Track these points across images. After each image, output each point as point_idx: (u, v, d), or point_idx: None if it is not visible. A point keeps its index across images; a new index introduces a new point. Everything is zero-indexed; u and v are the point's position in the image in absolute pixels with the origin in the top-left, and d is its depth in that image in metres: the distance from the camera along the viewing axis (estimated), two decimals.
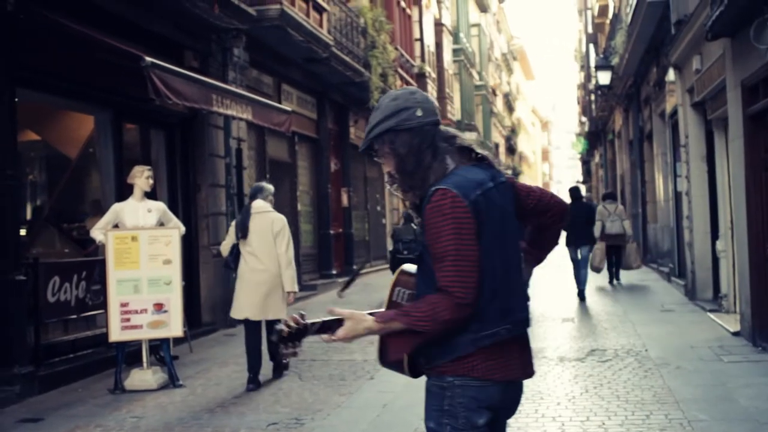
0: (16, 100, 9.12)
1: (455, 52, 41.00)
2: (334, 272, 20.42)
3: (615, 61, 24.56)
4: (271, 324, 8.87)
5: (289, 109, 14.91)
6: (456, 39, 41.51)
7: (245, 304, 8.92)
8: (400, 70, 25.49)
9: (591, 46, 38.46)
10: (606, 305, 14.47)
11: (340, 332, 3.19)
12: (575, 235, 15.89)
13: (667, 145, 18.12)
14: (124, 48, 9.79)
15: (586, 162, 58.44)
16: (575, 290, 15.93)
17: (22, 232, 10.02)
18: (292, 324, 3.15)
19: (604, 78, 25.81)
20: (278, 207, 17.36)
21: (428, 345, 3.20)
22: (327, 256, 20.40)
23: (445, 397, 3.21)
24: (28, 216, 11.80)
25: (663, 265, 19.38)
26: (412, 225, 16.92)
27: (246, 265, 8.96)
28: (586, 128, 46.35)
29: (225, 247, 9.32)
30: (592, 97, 38.55)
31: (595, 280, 18.01)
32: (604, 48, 30.04)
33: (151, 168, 9.50)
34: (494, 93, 59.32)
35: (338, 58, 18.73)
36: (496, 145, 59.73)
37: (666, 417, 6.87)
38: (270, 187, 9.57)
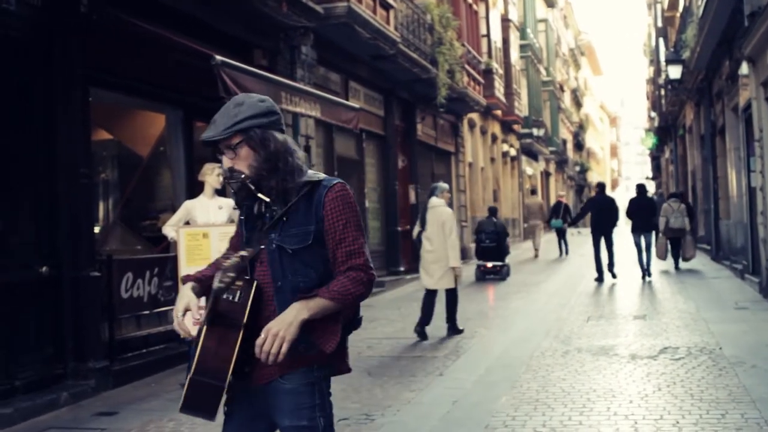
0: (90, 99, 9.28)
1: (522, 47, 40.74)
2: (402, 269, 20.44)
3: (686, 54, 24.18)
4: (446, 292, 11.62)
5: (356, 106, 14.95)
6: (523, 35, 41.24)
7: (424, 277, 11.60)
8: (467, 67, 25.41)
9: (661, 40, 37.90)
10: (678, 302, 14.25)
11: (272, 327, 3.19)
12: (640, 224, 18.98)
13: (740, 139, 17.79)
14: (194, 47, 9.91)
15: (655, 158, 57.72)
16: (643, 280, 18.45)
17: (96, 229, 10.19)
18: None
19: (675, 72, 25.41)
20: None
21: (308, 332, 3.26)
22: (395, 253, 20.42)
23: (315, 393, 3.36)
24: (101, 214, 12.00)
25: (736, 262, 19.02)
26: (493, 219, 20.00)
27: (423, 248, 11.51)
28: (656, 123, 45.72)
29: (414, 233, 11.98)
30: (662, 91, 38.00)
31: (660, 265, 20.73)
32: (674, 42, 29.59)
33: (221, 165, 9.57)
34: (562, 89, 58.86)
35: (405, 54, 18.74)
36: (564, 141, 59.28)
37: (742, 416, 6.73)
38: (444, 186, 12.02)
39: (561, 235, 28.47)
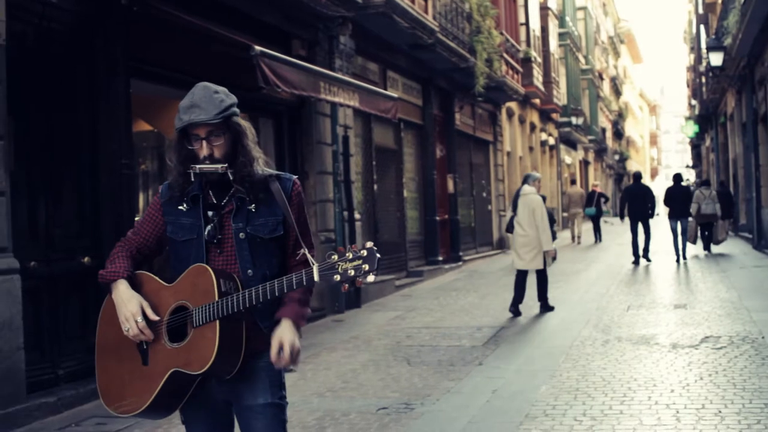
0: (131, 91, 9.34)
1: (561, 36, 40.46)
2: (440, 259, 20.42)
3: (727, 41, 23.90)
4: (537, 272, 12.51)
5: (395, 95, 14.93)
6: (562, 23, 40.96)
7: (516, 259, 12.55)
8: (505, 55, 25.28)
9: (702, 27, 37.50)
10: (719, 291, 14.12)
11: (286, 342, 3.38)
12: (677, 210, 20.49)
13: None
14: (233, 38, 9.96)
15: (696, 146, 57.16)
16: (682, 268, 18.96)
17: (137, 220, 10.26)
18: None
19: (716, 59, 25.12)
20: (384, 193, 17.53)
21: (272, 313, 3.45)
22: (433, 243, 20.39)
23: (281, 372, 3.50)
24: (142, 205, 12.08)
25: None
26: None
27: (515, 232, 12.50)
28: (697, 111, 45.24)
29: (506, 218, 13.08)
30: (703, 79, 37.59)
31: (692, 249, 22.26)
32: (715, 28, 29.27)
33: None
34: (601, 77, 58.40)
35: (443, 44, 18.68)
36: (603, 130, 58.86)
37: None
38: (536, 175, 13.22)
39: (595, 222, 30.11)
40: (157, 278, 3.49)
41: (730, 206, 24.72)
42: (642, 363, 8.61)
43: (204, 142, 3.39)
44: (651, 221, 20.78)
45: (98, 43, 8.85)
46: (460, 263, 21.58)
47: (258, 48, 9.37)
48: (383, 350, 10.09)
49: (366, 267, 3.13)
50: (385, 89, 16.30)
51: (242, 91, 11.30)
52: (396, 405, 7.33)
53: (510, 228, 12.91)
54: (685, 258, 20.40)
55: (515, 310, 12.36)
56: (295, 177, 3.56)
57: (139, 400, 3.38)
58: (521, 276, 12.47)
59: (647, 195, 20.96)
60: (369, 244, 3.18)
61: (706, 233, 22.54)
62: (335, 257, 3.16)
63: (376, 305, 14.34)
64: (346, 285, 3.19)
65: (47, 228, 8.21)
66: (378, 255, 3.16)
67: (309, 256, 3.37)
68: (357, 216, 14.69)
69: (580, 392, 7.47)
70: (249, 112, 12.70)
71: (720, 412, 6.59)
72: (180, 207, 3.49)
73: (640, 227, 20.44)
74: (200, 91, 3.42)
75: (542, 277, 12.59)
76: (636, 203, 20.64)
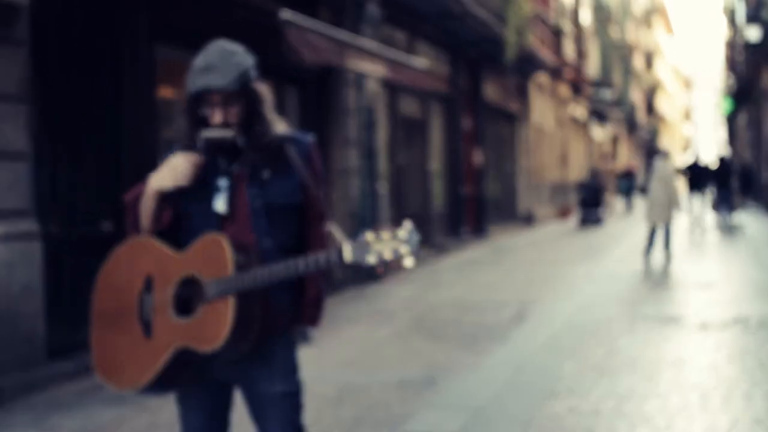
0: (156, 58, 9.25)
1: (594, 7, 40.04)
2: (466, 232, 20.29)
3: (766, 14, 23.49)
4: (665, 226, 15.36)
5: (422, 65, 14.75)
6: None
7: (653, 216, 15.14)
8: (536, 26, 25.00)
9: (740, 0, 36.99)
10: (749, 271, 13.93)
11: None
12: (720, 183, 24.73)
13: None
14: (259, 3, 9.82)
15: (730, 122, 56.58)
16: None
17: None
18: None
19: (754, 33, 24.75)
20: (409, 165, 17.39)
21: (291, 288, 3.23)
22: (458, 216, 20.25)
23: (296, 357, 3.29)
24: None
25: None
26: (594, 179, 27.66)
27: (654, 194, 15.07)
28: (732, 87, 44.70)
29: (639, 184, 17.19)
30: (740, 53, 37.08)
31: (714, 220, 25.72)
32: (754, 2, 28.80)
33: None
34: (633, 50, 57.81)
35: (472, 13, 18.44)
36: (635, 105, 58.34)
37: None
38: (665, 150, 16.99)
39: (628, 194, 35.66)
40: (162, 246, 3.19)
41: (749, 183, 30.21)
42: (669, 342, 8.47)
43: (217, 109, 3.10)
44: (707, 192, 25.14)
45: (121, 6, 8.74)
46: (486, 238, 21.44)
47: (284, 14, 9.23)
48: (406, 324, 10.00)
49: (404, 250, 2.86)
50: (413, 59, 16.11)
51: (268, 57, 11.17)
52: (418, 379, 7.24)
53: (647, 193, 15.80)
54: (730, 220, 24.74)
55: (647, 258, 15.06)
56: (310, 135, 3.33)
57: (141, 375, 3.12)
58: (652, 230, 15.08)
59: (704, 173, 24.83)
60: (407, 224, 2.89)
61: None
62: (369, 236, 2.91)
63: (400, 279, 14.25)
64: (382, 269, 2.94)
65: (69, 193, 8.17)
66: (418, 236, 2.87)
67: (337, 232, 3.13)
68: (381, 187, 14.56)
69: (606, 370, 7.34)
70: (274, 79, 12.53)
71: (748, 394, 6.44)
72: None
73: (699, 197, 24.61)
74: (216, 51, 3.13)
75: (668, 230, 15.27)
76: (696, 178, 24.52)
